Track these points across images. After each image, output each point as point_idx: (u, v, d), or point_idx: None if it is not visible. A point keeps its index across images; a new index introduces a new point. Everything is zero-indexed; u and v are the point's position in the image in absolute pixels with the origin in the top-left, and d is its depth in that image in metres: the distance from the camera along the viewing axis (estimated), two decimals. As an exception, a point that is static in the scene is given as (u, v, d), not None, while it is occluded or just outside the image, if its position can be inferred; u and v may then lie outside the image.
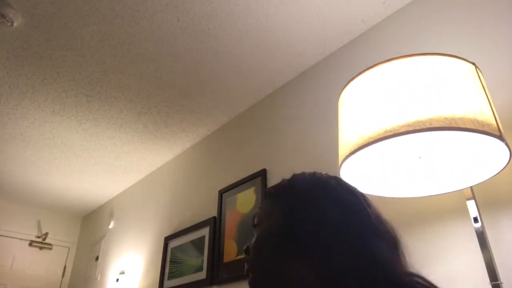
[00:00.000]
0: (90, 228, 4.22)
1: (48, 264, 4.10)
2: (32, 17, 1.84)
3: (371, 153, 1.00)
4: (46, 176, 3.47)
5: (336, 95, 1.13)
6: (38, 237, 4.11)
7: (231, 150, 2.47)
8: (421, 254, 1.17)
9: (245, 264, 0.66)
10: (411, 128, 0.85)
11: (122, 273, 3.09)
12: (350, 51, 1.89)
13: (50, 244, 4.13)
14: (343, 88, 1.06)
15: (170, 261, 2.58)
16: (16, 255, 3.93)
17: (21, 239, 4.01)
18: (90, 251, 3.88)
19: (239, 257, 2.03)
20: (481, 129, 0.84)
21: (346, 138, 0.99)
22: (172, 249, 2.62)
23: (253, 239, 0.66)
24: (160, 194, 3.06)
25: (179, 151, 3.01)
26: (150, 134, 2.78)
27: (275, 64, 2.10)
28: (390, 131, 0.87)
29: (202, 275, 2.23)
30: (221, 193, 2.34)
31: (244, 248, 0.68)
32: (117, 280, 3.09)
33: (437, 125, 0.83)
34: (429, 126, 0.83)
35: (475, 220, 1.01)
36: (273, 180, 1.96)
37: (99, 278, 3.47)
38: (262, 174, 2.06)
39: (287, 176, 0.72)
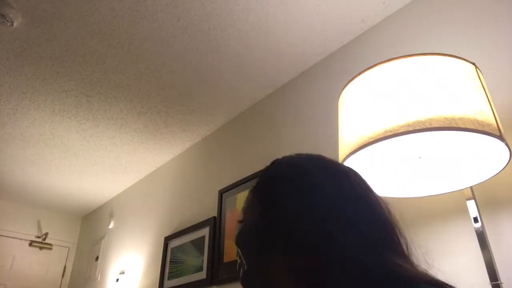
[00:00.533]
0: (90, 228, 4.22)
1: (48, 264, 4.10)
2: (32, 17, 1.84)
3: (371, 153, 1.00)
4: (46, 176, 3.47)
5: (336, 95, 1.13)
6: (38, 237, 4.11)
7: (231, 150, 2.47)
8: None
9: (238, 267, 0.63)
10: (411, 128, 0.85)
11: (122, 273, 3.09)
12: (350, 51, 1.89)
13: (50, 244, 4.13)
14: (343, 88, 1.06)
15: (170, 261, 2.58)
16: (16, 255, 3.93)
17: (21, 239, 4.01)
18: (90, 251, 3.88)
19: (239, 257, 2.03)
20: (481, 129, 0.84)
21: (346, 138, 0.99)
22: (172, 249, 2.62)
23: (236, 233, 0.64)
24: (160, 194, 3.06)
25: (179, 151, 3.01)
26: (150, 134, 2.78)
27: (275, 64, 2.10)
28: (390, 131, 0.87)
29: (202, 275, 2.23)
30: (221, 193, 2.34)
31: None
32: (117, 280, 3.09)
33: (437, 125, 0.83)
34: (429, 126, 0.83)
35: (475, 220, 1.01)
36: (273, 180, 1.96)
37: (99, 278, 3.47)
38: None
39: None
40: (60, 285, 4.10)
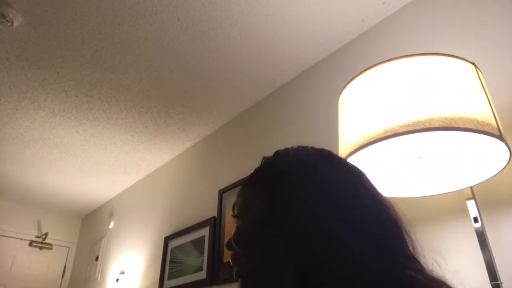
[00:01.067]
0: (90, 228, 4.22)
1: (48, 264, 4.10)
2: (32, 17, 1.84)
3: (371, 153, 1.00)
4: (46, 176, 3.47)
5: (336, 95, 1.13)
6: (38, 237, 4.11)
7: (231, 150, 2.47)
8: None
9: (232, 263, 0.57)
10: (411, 128, 0.85)
11: (122, 273, 3.09)
12: (350, 51, 1.89)
13: (50, 244, 4.13)
14: (343, 88, 1.06)
15: (170, 261, 2.58)
16: (16, 255, 3.93)
17: (21, 239, 4.01)
18: (90, 251, 3.88)
19: (239, 257, 2.03)
20: (481, 129, 0.84)
21: (346, 138, 0.99)
22: (172, 249, 2.62)
23: (234, 231, 0.58)
24: (160, 194, 3.06)
25: (179, 151, 3.01)
26: (150, 134, 2.78)
27: (275, 64, 2.10)
28: (390, 131, 0.87)
29: (202, 275, 2.23)
30: (221, 193, 2.34)
31: (226, 242, 0.59)
32: (117, 280, 3.09)
33: (437, 125, 0.83)
34: (429, 126, 0.83)
35: (475, 220, 1.01)
36: (273, 180, 1.96)
37: (99, 278, 3.47)
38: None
39: None
40: (60, 285, 4.10)
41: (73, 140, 2.89)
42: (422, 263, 0.51)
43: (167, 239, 2.68)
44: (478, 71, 0.98)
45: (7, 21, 1.82)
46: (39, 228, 4.16)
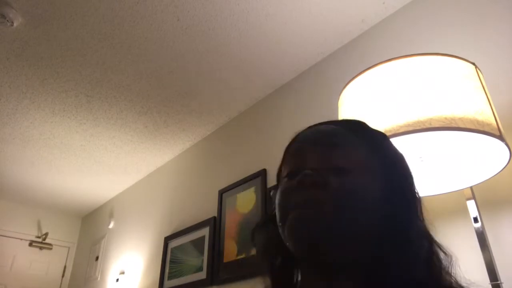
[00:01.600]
0: (90, 228, 4.22)
1: (48, 264, 4.09)
2: (32, 17, 1.84)
3: (371, 153, 1.00)
4: (46, 176, 3.47)
5: (336, 95, 1.13)
6: (38, 237, 4.11)
7: (231, 150, 2.47)
8: (421, 254, 1.17)
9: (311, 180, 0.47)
10: (411, 128, 0.85)
11: (122, 273, 3.09)
12: (350, 51, 1.89)
13: (50, 244, 4.13)
14: (343, 88, 1.06)
15: (170, 261, 2.58)
16: (16, 255, 3.93)
17: (21, 239, 4.01)
18: (90, 251, 3.88)
19: (239, 257, 2.03)
20: (481, 129, 0.84)
21: (346, 138, 0.99)
22: (172, 249, 2.62)
23: (347, 183, 0.47)
24: (160, 194, 3.06)
25: (179, 151, 3.01)
26: (150, 134, 2.78)
27: (275, 64, 2.10)
28: (390, 131, 0.87)
29: (202, 275, 2.23)
30: (221, 193, 2.34)
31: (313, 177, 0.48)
32: (117, 280, 3.09)
33: (437, 125, 0.83)
34: (429, 126, 0.83)
35: (475, 220, 1.01)
36: (273, 180, 1.96)
37: (99, 278, 3.47)
38: (262, 174, 2.06)
39: None
40: (60, 285, 4.10)
41: (73, 140, 2.89)
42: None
43: (167, 239, 2.68)
44: (478, 71, 0.98)
45: (7, 21, 1.82)
46: (39, 228, 4.16)
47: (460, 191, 1.07)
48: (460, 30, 1.43)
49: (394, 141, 0.89)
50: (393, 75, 0.94)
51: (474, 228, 1.01)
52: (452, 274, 0.49)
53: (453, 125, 0.83)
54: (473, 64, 0.97)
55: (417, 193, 0.53)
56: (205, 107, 2.48)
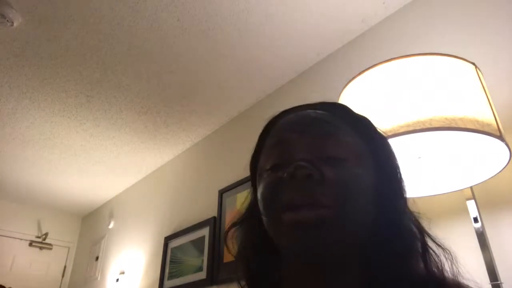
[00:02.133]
0: (90, 228, 4.22)
1: (48, 264, 4.10)
2: (32, 17, 1.84)
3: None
4: (46, 176, 3.47)
5: (336, 95, 1.13)
6: (38, 237, 4.11)
7: (231, 150, 2.47)
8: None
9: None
10: (411, 128, 0.85)
11: (122, 273, 3.09)
12: (350, 51, 1.89)
13: (50, 244, 4.14)
14: (343, 88, 1.06)
15: (170, 261, 2.58)
16: (16, 255, 3.93)
17: (21, 239, 4.02)
18: (90, 251, 3.88)
19: (239, 257, 2.03)
20: (481, 129, 0.84)
21: (346, 138, 0.99)
22: (172, 249, 2.62)
23: (344, 174, 0.44)
24: (160, 194, 3.06)
25: (179, 151, 3.01)
26: (150, 134, 2.78)
27: (275, 64, 2.10)
28: (390, 131, 0.87)
29: (202, 275, 2.23)
30: (221, 193, 2.34)
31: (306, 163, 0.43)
32: (117, 280, 3.09)
33: (437, 125, 0.83)
34: (429, 126, 0.83)
35: (475, 220, 1.01)
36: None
37: (99, 278, 3.47)
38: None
39: None
40: (60, 285, 4.10)
41: (73, 140, 2.89)
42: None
43: (167, 239, 2.68)
44: (478, 71, 0.98)
45: (7, 21, 1.82)
46: (39, 228, 4.16)
47: (460, 191, 1.07)
48: (460, 30, 1.43)
49: (394, 141, 0.89)
50: (393, 75, 0.94)
51: (474, 228, 1.01)
52: (448, 269, 0.48)
53: (453, 125, 0.83)
54: (473, 64, 0.97)
55: (403, 178, 0.52)
56: (205, 107, 2.48)
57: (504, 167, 0.95)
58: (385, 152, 0.51)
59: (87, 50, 2.04)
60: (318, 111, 0.50)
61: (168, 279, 2.53)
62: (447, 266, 0.48)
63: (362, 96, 0.98)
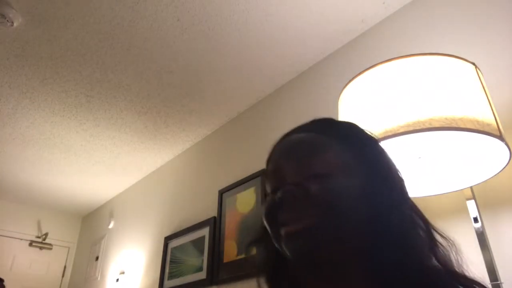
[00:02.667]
0: (90, 228, 4.22)
1: (48, 264, 4.10)
2: (32, 17, 1.84)
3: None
4: (46, 176, 3.47)
5: (336, 95, 1.13)
6: (38, 237, 4.11)
7: (231, 150, 2.47)
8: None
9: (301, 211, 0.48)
10: (411, 128, 0.85)
11: (122, 273, 3.09)
12: (350, 51, 1.89)
13: (50, 244, 4.13)
14: (343, 88, 1.06)
15: (170, 261, 2.58)
16: (16, 255, 3.93)
17: (21, 239, 4.01)
18: (90, 251, 3.88)
19: (239, 257, 2.03)
20: (481, 129, 0.84)
21: (346, 138, 0.99)
22: (172, 249, 2.62)
23: (327, 187, 0.48)
24: (160, 194, 3.06)
25: (179, 151, 3.01)
26: (150, 134, 2.78)
27: (275, 64, 2.10)
28: (390, 131, 0.87)
29: (202, 275, 2.23)
30: (221, 193, 2.34)
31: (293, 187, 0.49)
32: (117, 280, 3.09)
33: (437, 125, 0.83)
34: (429, 126, 0.83)
35: (475, 220, 1.01)
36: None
37: (99, 278, 3.47)
38: (262, 174, 2.06)
39: None
40: (60, 285, 4.10)
41: (73, 140, 2.89)
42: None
43: (167, 239, 2.68)
44: (478, 71, 0.98)
45: (7, 21, 1.82)
46: (39, 228, 4.16)
47: (460, 191, 1.07)
48: (460, 30, 1.43)
49: (394, 141, 0.89)
50: (393, 75, 0.94)
51: (474, 228, 1.01)
52: (454, 261, 0.52)
53: (453, 125, 0.83)
54: (473, 64, 0.97)
55: (400, 174, 0.55)
56: (205, 107, 2.48)
57: (504, 167, 0.95)
58: (374, 153, 0.55)
59: (87, 50, 2.04)
60: (301, 134, 0.56)
61: (168, 279, 2.53)
62: (452, 257, 0.52)
63: (362, 96, 0.98)
